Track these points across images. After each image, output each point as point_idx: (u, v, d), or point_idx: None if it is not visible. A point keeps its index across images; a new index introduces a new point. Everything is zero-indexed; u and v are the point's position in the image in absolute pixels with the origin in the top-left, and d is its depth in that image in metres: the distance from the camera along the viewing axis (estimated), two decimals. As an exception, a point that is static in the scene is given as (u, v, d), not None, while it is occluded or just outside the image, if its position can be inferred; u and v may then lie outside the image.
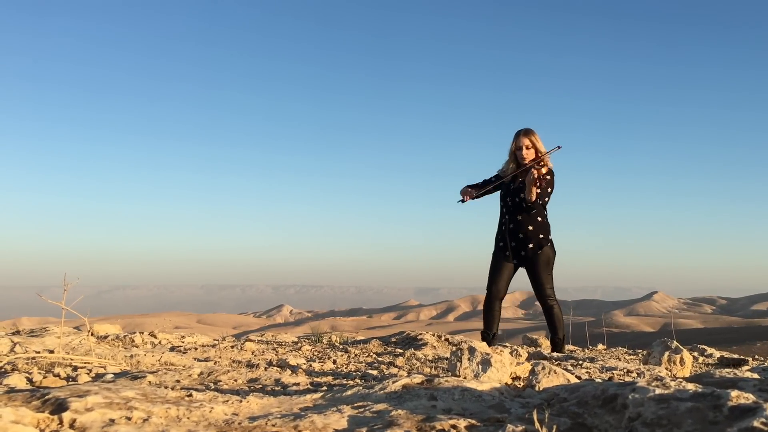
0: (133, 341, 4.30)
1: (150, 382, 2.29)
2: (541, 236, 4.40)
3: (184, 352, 3.80)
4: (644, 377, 2.14)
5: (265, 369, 2.85)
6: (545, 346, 5.58)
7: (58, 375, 2.49)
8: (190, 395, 1.85)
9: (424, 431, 1.51)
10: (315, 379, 2.58)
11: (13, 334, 4.10)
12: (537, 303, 4.64)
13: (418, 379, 1.98)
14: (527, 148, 4.38)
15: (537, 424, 1.45)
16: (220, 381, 2.41)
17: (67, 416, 1.53)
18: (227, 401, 1.80)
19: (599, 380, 2.21)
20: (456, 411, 1.69)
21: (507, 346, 4.48)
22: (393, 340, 4.87)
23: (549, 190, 4.37)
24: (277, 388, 2.31)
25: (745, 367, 3.91)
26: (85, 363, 2.82)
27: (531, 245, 4.39)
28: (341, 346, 4.44)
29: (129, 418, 1.55)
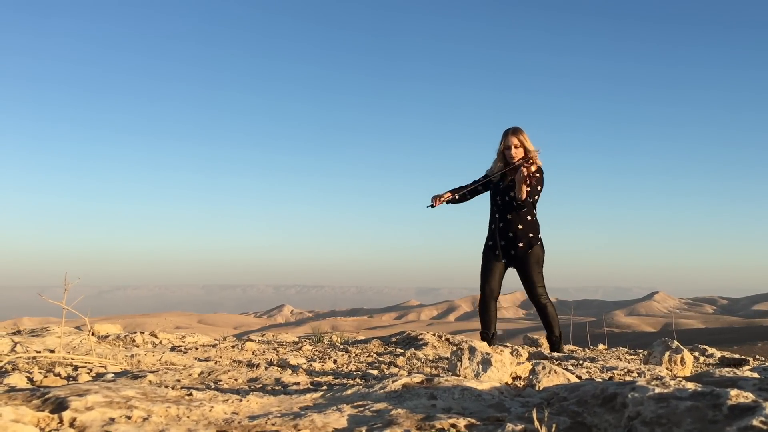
0: (133, 341, 4.30)
1: (150, 381, 2.29)
2: (530, 235, 4.40)
3: (184, 352, 3.81)
4: (644, 377, 2.14)
5: (266, 368, 2.85)
6: (546, 346, 5.58)
7: (58, 374, 2.50)
8: (191, 394, 1.85)
9: (423, 430, 1.52)
10: (315, 378, 2.58)
11: (14, 333, 4.11)
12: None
13: (418, 378, 1.98)
14: (516, 147, 4.35)
15: (536, 423, 1.46)
16: (220, 380, 2.42)
17: (67, 415, 1.54)
18: (227, 400, 1.80)
19: (600, 380, 2.21)
20: (456, 410, 1.69)
21: (508, 346, 4.48)
22: (394, 340, 4.87)
23: (539, 188, 4.36)
24: (277, 388, 2.31)
25: (746, 367, 3.91)
26: (85, 362, 2.82)
27: (521, 244, 4.38)
28: (342, 346, 4.44)
29: (129, 417, 1.55)
